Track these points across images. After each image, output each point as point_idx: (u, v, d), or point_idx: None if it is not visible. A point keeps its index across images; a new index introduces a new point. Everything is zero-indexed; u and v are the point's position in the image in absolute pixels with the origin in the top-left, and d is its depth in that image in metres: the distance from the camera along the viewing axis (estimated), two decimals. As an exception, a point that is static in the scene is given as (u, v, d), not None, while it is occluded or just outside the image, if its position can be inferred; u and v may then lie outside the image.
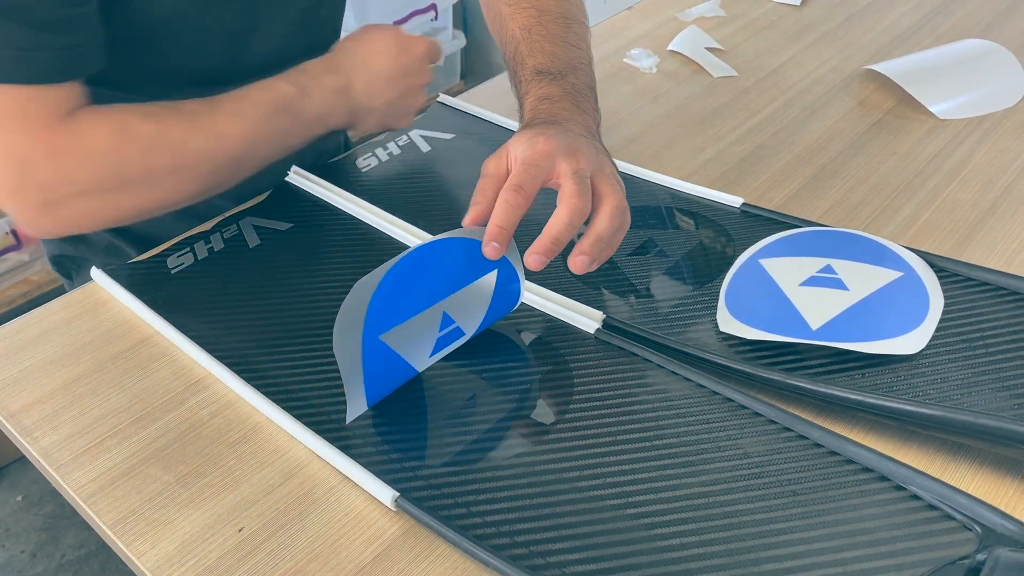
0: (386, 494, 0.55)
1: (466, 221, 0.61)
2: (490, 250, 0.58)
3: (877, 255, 0.70)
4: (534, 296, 0.70)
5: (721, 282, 0.70)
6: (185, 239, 0.78)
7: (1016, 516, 0.52)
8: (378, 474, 0.56)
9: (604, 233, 0.59)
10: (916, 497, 0.52)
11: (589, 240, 0.59)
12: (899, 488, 0.53)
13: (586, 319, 0.67)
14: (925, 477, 0.53)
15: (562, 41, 0.74)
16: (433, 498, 0.54)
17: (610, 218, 0.60)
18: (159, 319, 0.69)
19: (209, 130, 0.74)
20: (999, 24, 1.14)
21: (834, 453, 0.55)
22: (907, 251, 0.71)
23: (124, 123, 0.71)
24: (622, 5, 1.26)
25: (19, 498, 1.67)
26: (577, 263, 0.59)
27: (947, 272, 0.69)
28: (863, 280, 0.67)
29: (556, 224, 0.58)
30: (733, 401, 0.59)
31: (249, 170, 0.78)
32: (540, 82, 0.71)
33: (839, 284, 0.67)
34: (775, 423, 0.57)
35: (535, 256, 0.58)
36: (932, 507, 0.52)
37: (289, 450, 0.60)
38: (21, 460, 1.72)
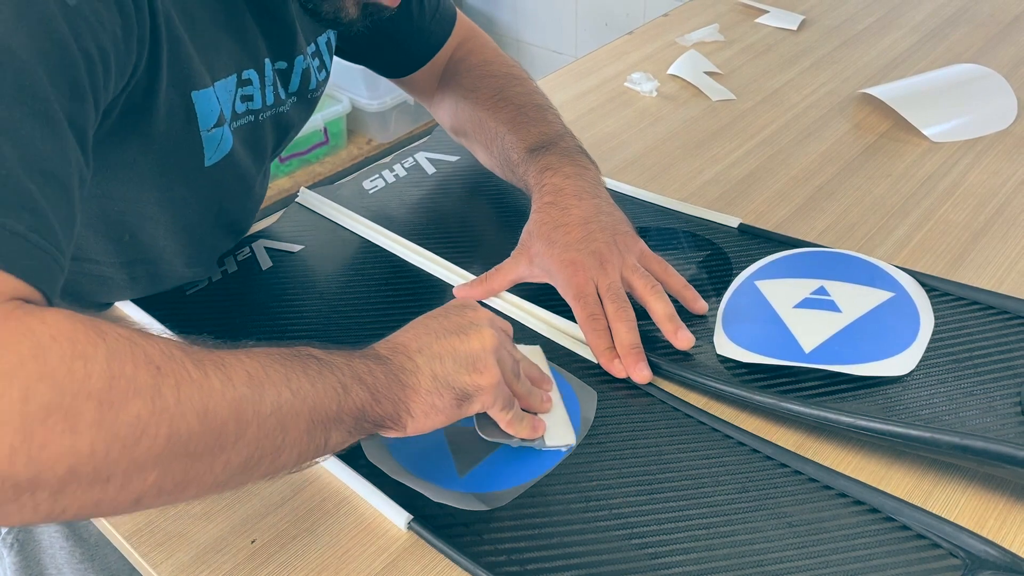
0: (399, 517, 0.57)
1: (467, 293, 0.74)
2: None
3: (870, 275, 0.72)
4: (538, 322, 0.72)
5: (719, 305, 0.72)
6: (199, 260, 0.80)
7: (999, 540, 0.55)
8: (391, 496, 0.58)
9: (667, 311, 0.68)
10: (905, 527, 0.55)
11: (664, 324, 0.68)
12: (888, 519, 0.55)
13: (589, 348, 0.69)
14: (913, 508, 0.55)
15: (544, 122, 0.82)
16: (447, 526, 0.56)
17: (658, 301, 0.68)
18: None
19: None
20: (990, 49, 1.16)
21: (827, 487, 0.58)
22: (899, 271, 0.73)
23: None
24: (623, 30, 1.29)
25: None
26: (679, 340, 0.67)
27: (939, 291, 0.71)
28: (855, 301, 0.69)
29: (623, 340, 0.66)
30: (732, 438, 0.61)
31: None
32: (538, 156, 0.78)
33: (832, 306, 0.69)
34: (772, 459, 0.60)
35: (624, 366, 0.67)
36: (920, 536, 0.54)
37: (300, 464, 0.62)
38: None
